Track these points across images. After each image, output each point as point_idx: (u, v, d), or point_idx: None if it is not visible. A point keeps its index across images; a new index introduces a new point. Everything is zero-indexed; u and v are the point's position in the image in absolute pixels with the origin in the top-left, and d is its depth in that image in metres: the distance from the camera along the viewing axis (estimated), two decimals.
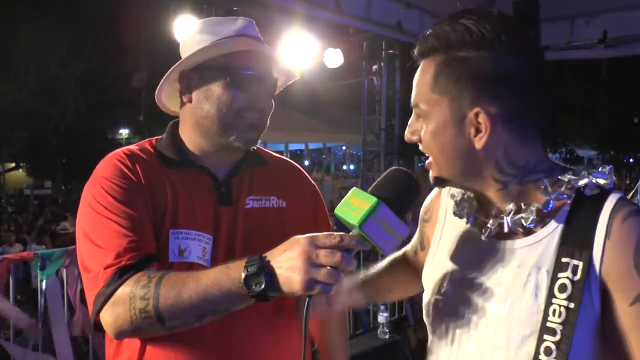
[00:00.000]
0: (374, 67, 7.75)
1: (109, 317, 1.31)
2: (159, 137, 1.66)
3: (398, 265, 1.62)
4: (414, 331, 5.30)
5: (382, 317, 4.93)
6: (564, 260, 1.09)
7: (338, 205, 1.17)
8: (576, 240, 1.09)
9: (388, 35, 6.51)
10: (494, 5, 6.71)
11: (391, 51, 7.58)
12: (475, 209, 1.27)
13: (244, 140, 1.54)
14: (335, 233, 1.13)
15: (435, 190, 1.46)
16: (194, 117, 1.56)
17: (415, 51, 1.20)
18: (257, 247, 1.51)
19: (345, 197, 1.17)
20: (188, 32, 1.63)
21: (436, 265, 1.33)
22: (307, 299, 1.14)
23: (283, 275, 1.14)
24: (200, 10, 5.22)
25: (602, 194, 1.11)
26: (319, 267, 1.10)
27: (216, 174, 1.59)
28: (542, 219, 1.15)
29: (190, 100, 1.56)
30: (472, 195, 1.28)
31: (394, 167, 1.23)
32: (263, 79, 1.55)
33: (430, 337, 1.33)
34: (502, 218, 1.19)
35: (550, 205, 1.14)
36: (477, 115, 1.12)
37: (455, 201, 1.31)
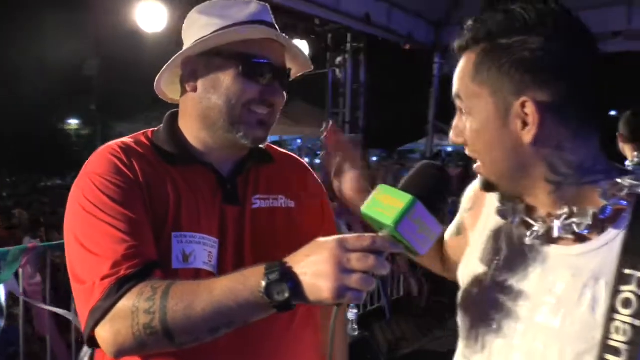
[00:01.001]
0: (338, 59, 7.68)
1: (107, 334, 1.17)
2: (155, 129, 1.51)
3: None
4: (381, 329, 5.28)
5: (351, 314, 4.86)
6: (626, 272, 0.99)
7: (365, 204, 1.06)
8: None
9: (357, 28, 6.41)
10: None
11: (355, 44, 7.52)
12: (522, 209, 1.16)
13: (252, 138, 1.40)
14: (366, 235, 1.02)
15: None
16: (198, 108, 1.42)
17: (456, 44, 1.11)
18: (266, 251, 1.39)
19: (372, 194, 1.07)
20: (193, 12, 1.47)
21: (474, 265, 1.23)
22: (336, 308, 1.04)
23: (309, 283, 1.02)
24: None
25: None
26: (350, 273, 0.99)
27: (220, 170, 1.46)
28: (596, 226, 1.05)
29: (194, 90, 1.41)
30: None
31: (424, 162, 1.14)
32: (277, 69, 1.41)
33: (463, 341, 1.23)
34: (552, 221, 1.09)
35: (608, 211, 1.04)
36: (523, 105, 1.02)
37: (500, 200, 1.20)
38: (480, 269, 1.21)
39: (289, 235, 1.47)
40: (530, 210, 1.15)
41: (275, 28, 1.44)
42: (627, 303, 0.97)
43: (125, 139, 1.45)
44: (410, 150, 26.47)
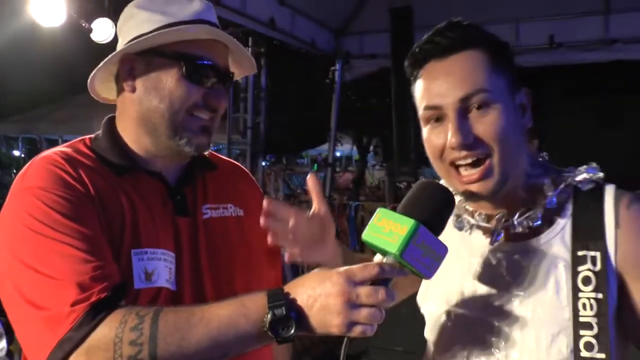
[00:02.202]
0: None
1: None
2: (92, 136, 1.39)
3: None
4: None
5: None
6: (580, 253, 1.10)
7: (365, 230, 1.05)
8: (588, 233, 1.12)
9: (262, 32, 6.36)
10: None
11: (256, 48, 7.44)
12: (479, 218, 1.25)
13: (196, 145, 1.34)
14: (372, 263, 1.01)
15: None
16: (138, 110, 1.33)
17: (444, 45, 1.14)
18: (223, 263, 1.39)
19: (372, 220, 1.05)
20: (131, 6, 1.39)
21: (442, 278, 1.25)
22: (345, 340, 1.02)
23: (317, 317, 1.00)
24: None
25: (598, 186, 1.17)
26: (359, 308, 0.98)
27: (167, 179, 1.38)
28: (546, 218, 1.17)
29: (133, 90, 1.33)
30: (465, 204, 1.27)
31: (424, 181, 1.11)
32: (221, 72, 1.36)
33: (442, 351, 1.26)
34: (509, 221, 1.19)
35: (554, 202, 1.17)
36: (523, 95, 1.19)
37: (456, 214, 1.27)
38: (448, 279, 1.26)
39: (242, 244, 1.45)
40: (484, 216, 1.25)
41: (220, 28, 1.39)
42: (587, 281, 1.09)
43: (62, 148, 1.32)
44: (299, 155, 26.71)
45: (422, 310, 1.33)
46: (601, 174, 1.18)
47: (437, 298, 1.28)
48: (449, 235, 1.25)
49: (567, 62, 6.32)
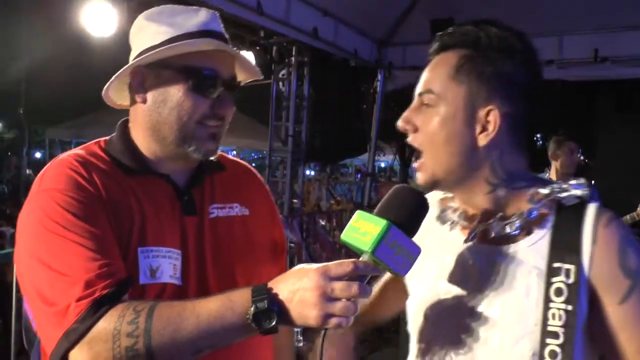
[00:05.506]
0: (282, 72, 7.71)
1: (83, 356, 1.16)
2: (106, 138, 1.49)
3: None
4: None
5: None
6: (555, 265, 1.14)
7: (344, 231, 1.12)
8: (565, 246, 1.15)
9: (305, 42, 6.45)
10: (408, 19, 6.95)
11: (300, 58, 7.57)
12: (460, 214, 1.30)
13: (204, 151, 1.43)
14: (348, 260, 1.08)
15: None
16: (149, 121, 1.42)
17: (436, 45, 1.25)
18: (227, 260, 1.47)
19: (350, 221, 1.12)
20: (140, 18, 1.47)
21: (421, 277, 1.33)
22: (323, 332, 1.10)
23: (295, 310, 1.08)
24: None
25: (582, 203, 1.20)
26: (334, 301, 1.05)
27: (176, 181, 1.46)
28: (524, 227, 1.21)
29: (144, 101, 1.41)
30: (450, 201, 1.33)
31: (399, 185, 1.19)
32: (227, 81, 1.42)
33: (418, 345, 1.33)
34: (489, 224, 1.23)
35: (534, 214, 1.21)
36: (489, 112, 1.19)
37: (441, 208, 1.34)
38: (426, 278, 1.32)
39: (246, 243, 1.54)
40: (466, 214, 1.30)
41: (225, 37, 1.46)
42: (559, 292, 1.13)
43: (78, 151, 1.42)
44: (343, 164, 26.78)
45: (406, 304, 1.40)
46: (587, 191, 1.20)
47: (415, 295, 1.36)
48: (430, 230, 1.33)
49: (613, 77, 6.17)
